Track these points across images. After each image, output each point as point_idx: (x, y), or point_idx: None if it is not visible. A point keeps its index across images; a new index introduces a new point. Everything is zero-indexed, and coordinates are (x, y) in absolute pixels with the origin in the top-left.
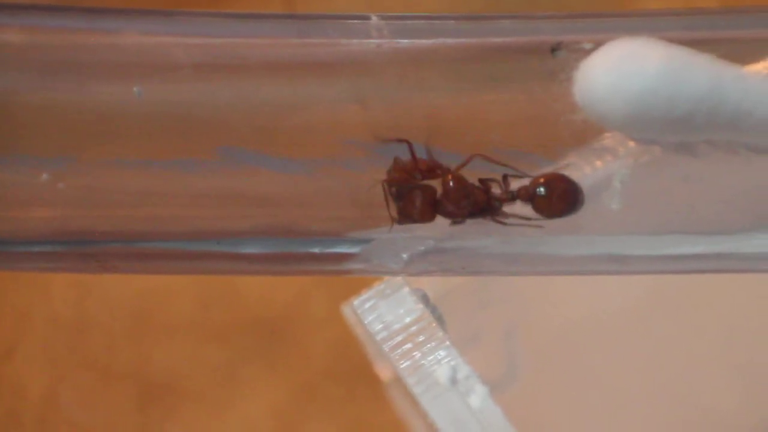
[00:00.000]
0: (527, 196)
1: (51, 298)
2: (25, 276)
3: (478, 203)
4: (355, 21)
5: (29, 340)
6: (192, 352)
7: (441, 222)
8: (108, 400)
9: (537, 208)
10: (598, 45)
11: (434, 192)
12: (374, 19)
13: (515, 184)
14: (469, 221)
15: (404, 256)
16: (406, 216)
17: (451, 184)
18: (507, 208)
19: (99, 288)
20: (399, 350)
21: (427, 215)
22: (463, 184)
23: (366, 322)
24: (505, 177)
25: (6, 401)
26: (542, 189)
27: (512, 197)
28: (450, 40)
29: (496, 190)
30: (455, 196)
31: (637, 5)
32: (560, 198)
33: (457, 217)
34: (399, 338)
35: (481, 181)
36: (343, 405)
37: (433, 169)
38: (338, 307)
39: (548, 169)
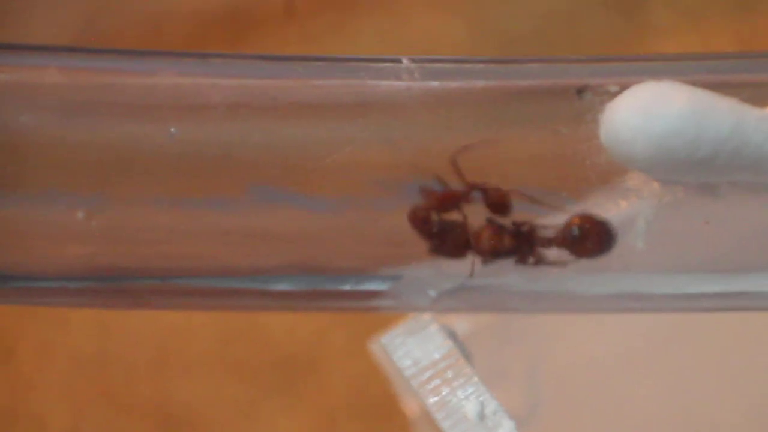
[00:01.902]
0: (563, 240)
1: (72, 333)
2: (46, 311)
3: (512, 247)
4: (387, 63)
5: (50, 375)
6: (212, 387)
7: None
8: None
9: (572, 251)
10: (623, 88)
11: (468, 230)
12: (405, 62)
13: (544, 221)
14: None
15: (432, 293)
16: (439, 251)
17: (486, 227)
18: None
19: (120, 323)
20: (428, 386)
21: (459, 253)
22: (498, 229)
23: (395, 358)
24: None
25: None
26: (577, 231)
27: (548, 243)
28: (479, 83)
29: (528, 228)
30: (489, 238)
31: (657, 47)
32: (595, 240)
33: (489, 258)
34: (428, 374)
35: (515, 224)
36: None
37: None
38: (358, 344)
39: (576, 209)
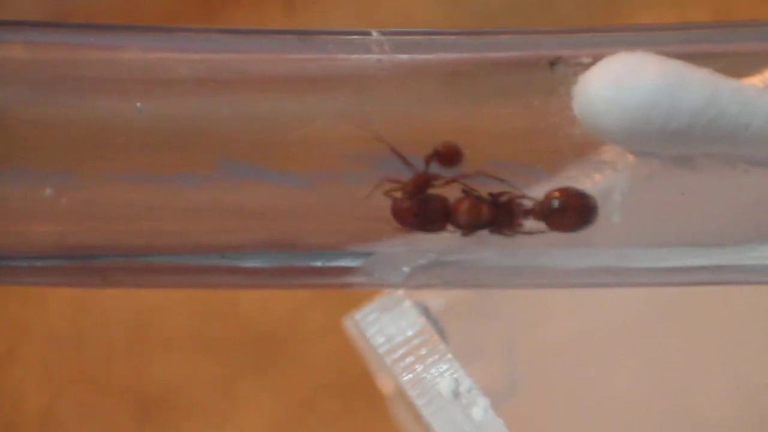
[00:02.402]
0: (541, 213)
1: (48, 312)
2: (23, 290)
3: (490, 218)
4: (356, 36)
5: (27, 355)
6: (189, 366)
7: (443, 234)
8: (106, 414)
9: (551, 224)
10: (596, 59)
11: (446, 202)
12: (375, 34)
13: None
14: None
15: (405, 269)
16: (416, 225)
17: (464, 199)
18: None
19: (96, 302)
20: (401, 363)
21: (437, 225)
22: (476, 200)
23: (368, 335)
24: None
25: (5, 415)
26: (557, 204)
27: (527, 214)
28: (450, 55)
29: (505, 198)
30: (468, 210)
31: (632, 20)
32: (574, 213)
33: (467, 229)
34: (401, 351)
35: (492, 195)
36: (341, 418)
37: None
38: (335, 321)
39: (549, 184)
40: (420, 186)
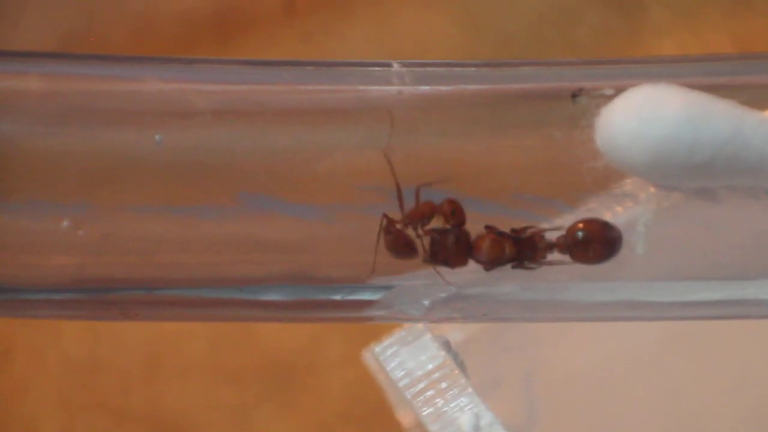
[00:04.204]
0: (565, 245)
1: (64, 339)
2: None
3: (512, 254)
4: (377, 68)
5: (43, 382)
6: (205, 393)
7: (463, 268)
8: None
9: (575, 256)
10: (619, 91)
11: (468, 237)
12: (395, 66)
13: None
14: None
15: (426, 302)
16: (439, 259)
17: (486, 235)
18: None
19: (112, 329)
20: (421, 397)
21: (460, 260)
22: (498, 237)
23: (388, 368)
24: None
25: None
26: (581, 235)
27: (550, 247)
28: (471, 87)
29: (527, 233)
30: (489, 247)
31: (654, 51)
32: (599, 245)
33: (489, 265)
34: (421, 385)
35: (514, 230)
36: None
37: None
38: (354, 350)
39: (570, 216)
40: (415, 218)
